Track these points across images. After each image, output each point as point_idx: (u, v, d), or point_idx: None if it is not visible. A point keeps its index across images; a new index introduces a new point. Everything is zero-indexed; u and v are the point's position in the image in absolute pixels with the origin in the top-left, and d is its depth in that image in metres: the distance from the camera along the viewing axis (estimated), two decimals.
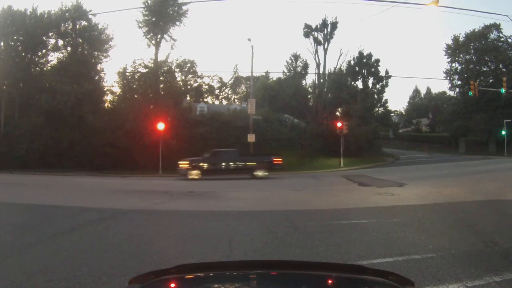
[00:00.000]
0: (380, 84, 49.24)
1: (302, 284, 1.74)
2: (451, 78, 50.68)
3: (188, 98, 42.11)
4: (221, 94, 68.63)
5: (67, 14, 35.07)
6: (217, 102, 62.93)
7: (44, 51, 35.78)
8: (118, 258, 5.48)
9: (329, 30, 41.59)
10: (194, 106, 39.25)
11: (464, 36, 48.50)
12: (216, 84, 64.56)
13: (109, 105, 35.73)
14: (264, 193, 13.44)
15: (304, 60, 55.79)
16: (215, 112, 33.33)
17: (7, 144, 28.64)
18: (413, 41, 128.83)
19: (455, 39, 49.40)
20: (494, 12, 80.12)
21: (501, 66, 45.80)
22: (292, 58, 57.19)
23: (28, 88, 33.10)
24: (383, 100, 50.94)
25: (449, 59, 50.19)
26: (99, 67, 37.29)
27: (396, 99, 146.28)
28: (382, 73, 48.09)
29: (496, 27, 45.44)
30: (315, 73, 44.78)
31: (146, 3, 35.95)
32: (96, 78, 35.94)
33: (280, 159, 21.51)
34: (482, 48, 46.51)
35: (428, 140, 54.67)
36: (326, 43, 41.91)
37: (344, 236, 6.57)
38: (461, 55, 49.18)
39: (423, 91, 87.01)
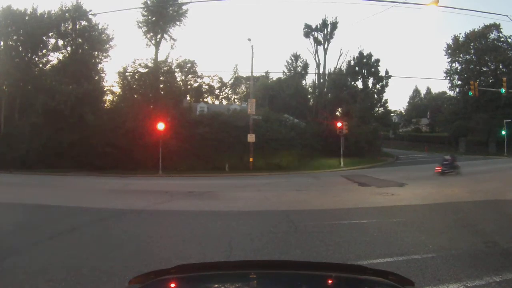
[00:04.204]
0: (380, 84, 49.26)
1: (302, 284, 1.74)
2: (451, 78, 50.78)
3: (188, 98, 42.13)
4: (221, 94, 68.67)
5: (67, 14, 35.08)
6: (217, 102, 62.97)
7: (44, 51, 35.77)
8: (118, 258, 5.47)
9: (329, 30, 41.59)
10: (194, 106, 39.26)
11: (464, 36, 48.61)
12: (216, 84, 64.61)
13: (109, 105, 35.73)
14: (264, 193, 13.43)
15: (304, 60, 55.86)
16: (215, 112, 33.30)
17: (7, 144, 28.63)
18: (413, 41, 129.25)
19: (455, 39, 49.46)
20: (494, 12, 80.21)
21: (501, 66, 45.82)
22: (292, 58, 57.25)
23: (28, 88, 33.10)
24: (383, 100, 51.02)
25: (449, 59, 50.31)
26: (99, 67, 37.31)
27: (396, 99, 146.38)
28: (382, 73, 48.13)
29: (496, 27, 45.50)
30: (315, 73, 44.82)
31: (146, 3, 35.94)
32: (96, 78, 35.93)
33: None
34: (482, 48, 46.54)
35: (428, 140, 54.75)
36: (326, 43, 41.94)
37: (344, 236, 6.57)
38: (461, 55, 49.22)
39: (423, 91, 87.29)
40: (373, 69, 47.53)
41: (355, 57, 47.09)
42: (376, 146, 38.13)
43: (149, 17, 36.43)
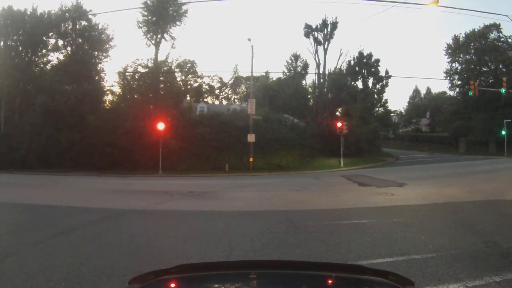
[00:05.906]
0: (380, 84, 49.37)
1: (302, 284, 1.74)
2: (451, 78, 50.79)
3: (188, 98, 42.16)
4: (221, 94, 68.73)
5: (67, 14, 35.13)
6: (217, 102, 63.00)
7: (44, 51, 35.83)
8: (118, 258, 5.47)
9: (329, 30, 41.57)
10: (194, 106, 39.23)
11: (464, 36, 48.62)
12: (216, 84, 64.72)
13: (109, 105, 35.75)
14: (264, 193, 13.43)
15: (304, 60, 55.95)
16: (215, 112, 33.30)
17: (7, 144, 28.64)
18: (413, 41, 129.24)
19: (455, 39, 49.48)
20: (494, 12, 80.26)
21: (501, 66, 45.83)
22: (292, 58, 57.30)
23: (28, 88, 33.12)
24: (383, 100, 51.21)
25: (449, 59, 50.33)
26: (99, 67, 37.41)
27: (396, 99, 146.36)
28: (382, 73, 48.23)
29: (496, 27, 45.51)
30: (315, 73, 44.79)
31: (146, 3, 35.97)
32: (96, 78, 35.99)
33: None
34: (482, 48, 46.54)
35: (428, 140, 54.72)
36: (326, 43, 41.91)
37: (344, 236, 6.57)
38: (461, 55, 49.23)
39: (423, 91, 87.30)
40: (373, 69, 47.61)
41: (355, 57, 47.22)
42: (376, 146, 38.11)
43: (149, 17, 36.47)
